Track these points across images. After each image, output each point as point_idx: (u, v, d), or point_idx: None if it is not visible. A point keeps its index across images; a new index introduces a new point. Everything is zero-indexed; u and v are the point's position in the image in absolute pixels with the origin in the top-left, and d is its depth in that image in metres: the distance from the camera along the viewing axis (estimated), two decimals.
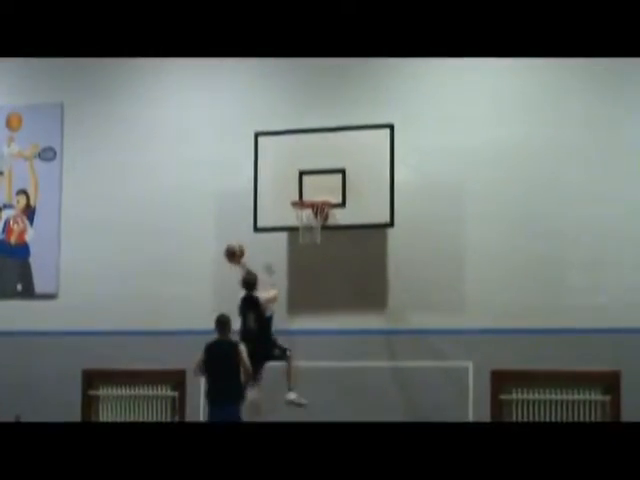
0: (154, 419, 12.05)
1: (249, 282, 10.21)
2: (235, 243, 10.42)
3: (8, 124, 13.70)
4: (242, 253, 10.43)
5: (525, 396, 11.30)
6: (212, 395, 9.61)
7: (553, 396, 11.20)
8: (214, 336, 9.90)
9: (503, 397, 11.37)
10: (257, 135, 11.44)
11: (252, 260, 11.45)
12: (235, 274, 10.64)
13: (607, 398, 10.72)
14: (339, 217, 11.30)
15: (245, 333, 10.06)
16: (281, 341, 10.44)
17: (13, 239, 13.39)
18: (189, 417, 11.68)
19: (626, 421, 9.90)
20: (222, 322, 9.80)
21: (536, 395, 11.21)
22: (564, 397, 11.18)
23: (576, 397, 10.82)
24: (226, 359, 9.50)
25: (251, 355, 9.69)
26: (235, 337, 9.91)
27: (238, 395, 9.46)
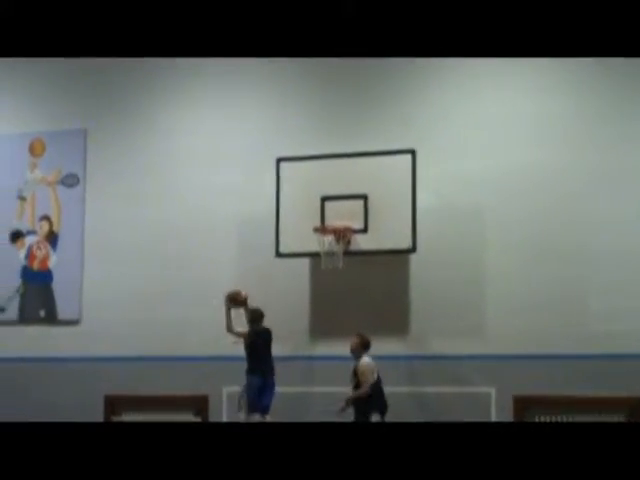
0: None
1: (259, 315, 10.35)
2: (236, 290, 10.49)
3: (31, 150, 13.82)
4: (245, 297, 10.53)
5: (548, 421, 11.14)
6: (257, 370, 10.21)
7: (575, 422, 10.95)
8: (237, 361, 10.21)
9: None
10: (279, 161, 11.49)
11: (274, 285, 11.68)
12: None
13: None
14: (361, 243, 11.28)
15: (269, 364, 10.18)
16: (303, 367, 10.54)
17: (36, 265, 13.47)
18: None
19: None
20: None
21: (559, 420, 11.13)
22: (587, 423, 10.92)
23: None
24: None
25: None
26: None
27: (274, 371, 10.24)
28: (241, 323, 10.54)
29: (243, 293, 10.54)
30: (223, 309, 10.98)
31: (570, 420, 10.99)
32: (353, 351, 10.06)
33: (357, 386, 9.89)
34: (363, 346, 10.02)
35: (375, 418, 9.78)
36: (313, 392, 11.14)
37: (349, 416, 9.81)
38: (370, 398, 9.77)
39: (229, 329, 10.31)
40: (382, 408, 9.79)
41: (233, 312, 10.66)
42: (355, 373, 9.92)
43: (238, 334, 10.28)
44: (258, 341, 10.13)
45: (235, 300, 10.53)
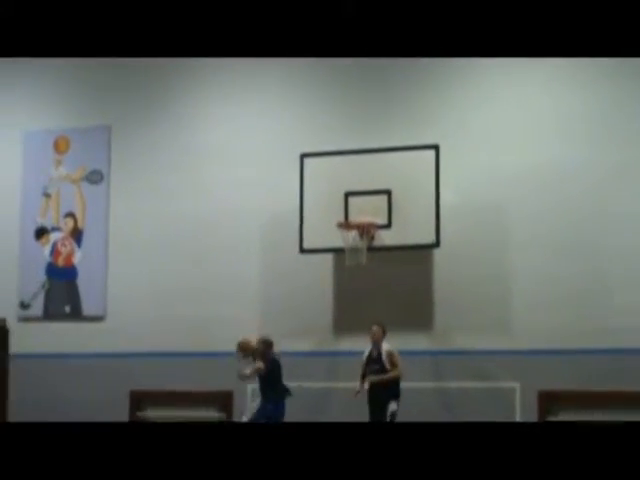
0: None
1: (270, 345, 10.43)
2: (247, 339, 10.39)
3: (56, 147, 14.06)
4: (255, 346, 10.40)
5: (573, 417, 11.24)
6: (272, 398, 10.17)
7: (601, 417, 11.13)
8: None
9: (551, 418, 11.31)
10: (303, 156, 11.61)
11: (298, 281, 11.81)
12: (282, 297, 10.77)
13: None
14: (385, 238, 11.40)
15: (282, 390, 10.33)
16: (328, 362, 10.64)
17: (61, 261, 13.68)
18: None
19: None
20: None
21: (584, 416, 11.10)
22: (612, 418, 11.09)
23: (624, 418, 10.79)
24: (280, 369, 10.15)
25: None
26: None
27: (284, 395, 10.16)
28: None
29: (252, 342, 10.55)
30: (249, 306, 11.14)
31: (595, 415, 11.05)
32: (377, 339, 10.27)
33: (381, 372, 10.16)
34: (384, 334, 10.29)
35: (392, 406, 10.05)
36: (337, 387, 11.21)
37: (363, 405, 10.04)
38: (394, 384, 10.07)
39: (241, 377, 10.39)
40: (399, 395, 10.08)
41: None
42: (377, 360, 10.18)
43: (253, 373, 10.33)
44: (274, 370, 10.24)
45: (245, 350, 10.52)
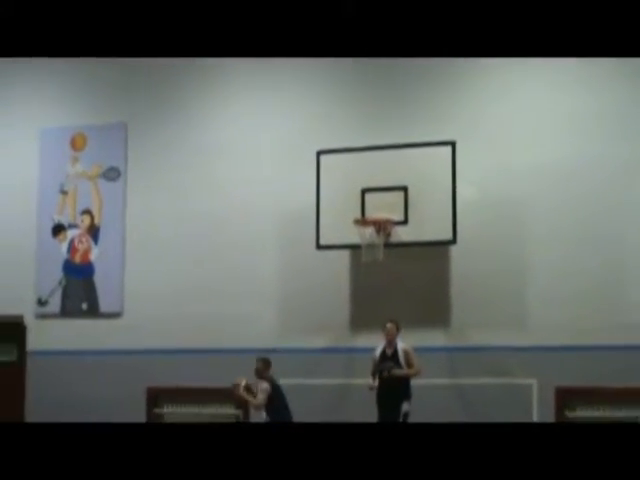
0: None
1: (269, 364, 10.44)
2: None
3: (72, 144, 14.16)
4: (243, 386, 10.42)
5: (590, 413, 11.32)
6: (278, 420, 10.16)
7: (618, 413, 11.23)
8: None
9: (568, 414, 11.33)
10: (319, 153, 11.66)
11: (315, 278, 11.92)
12: (298, 294, 10.82)
13: None
14: (401, 234, 11.46)
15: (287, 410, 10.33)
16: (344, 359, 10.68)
17: (78, 258, 13.74)
18: None
19: None
20: (269, 362, 10.29)
21: (601, 412, 11.25)
22: (629, 414, 11.22)
23: None
24: (280, 388, 10.20)
25: None
26: None
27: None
28: None
29: (241, 384, 10.55)
30: (265, 302, 11.19)
31: (613, 411, 11.11)
32: (391, 337, 10.25)
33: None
34: (398, 331, 10.29)
35: (405, 406, 10.03)
36: (353, 384, 11.24)
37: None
38: (406, 383, 10.02)
39: (255, 407, 10.38)
40: (410, 396, 10.07)
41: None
42: (392, 358, 10.15)
43: (263, 401, 10.22)
44: (277, 391, 10.20)
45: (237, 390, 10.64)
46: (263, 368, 10.21)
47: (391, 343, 10.23)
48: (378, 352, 10.31)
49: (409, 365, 10.08)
